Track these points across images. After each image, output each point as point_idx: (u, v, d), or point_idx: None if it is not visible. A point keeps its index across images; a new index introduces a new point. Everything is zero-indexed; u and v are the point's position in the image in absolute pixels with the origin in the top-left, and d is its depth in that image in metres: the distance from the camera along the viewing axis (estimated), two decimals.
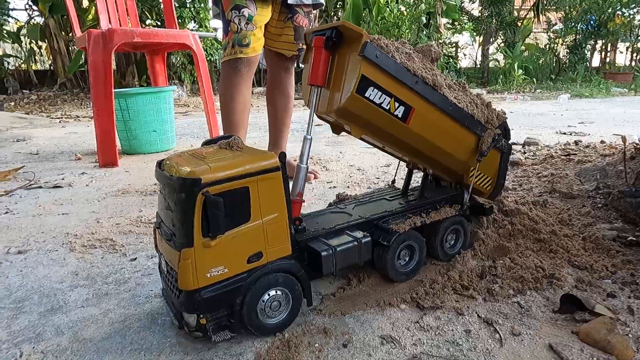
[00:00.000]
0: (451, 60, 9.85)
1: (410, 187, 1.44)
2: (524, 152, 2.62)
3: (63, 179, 2.56)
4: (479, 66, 11.54)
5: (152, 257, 1.45)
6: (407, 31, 8.94)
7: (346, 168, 2.62)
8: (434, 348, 0.95)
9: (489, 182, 1.35)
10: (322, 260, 1.02)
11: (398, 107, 1.07)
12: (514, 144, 3.19)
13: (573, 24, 10.33)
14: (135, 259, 1.44)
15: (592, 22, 10.19)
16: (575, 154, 2.25)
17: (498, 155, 1.32)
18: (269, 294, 0.98)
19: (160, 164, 0.99)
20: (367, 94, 1.03)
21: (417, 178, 1.51)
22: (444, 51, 9.60)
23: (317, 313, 1.08)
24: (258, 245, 0.94)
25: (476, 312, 1.06)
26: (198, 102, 7.55)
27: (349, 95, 1.02)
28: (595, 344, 0.91)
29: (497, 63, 10.97)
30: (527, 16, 11.08)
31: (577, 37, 10.42)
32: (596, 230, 1.36)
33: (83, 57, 8.06)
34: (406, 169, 1.46)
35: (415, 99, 1.09)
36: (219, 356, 0.93)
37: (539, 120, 4.75)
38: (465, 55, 11.69)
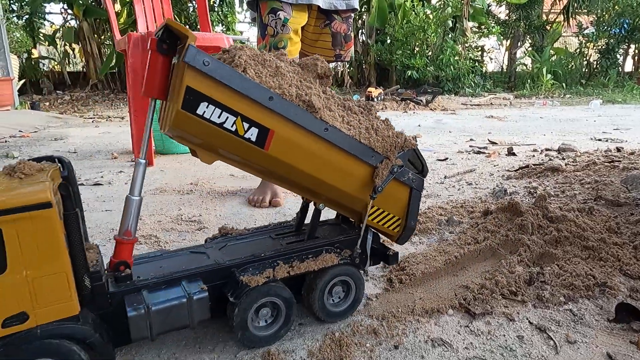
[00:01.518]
0: (477, 64, 9.73)
1: (303, 223, 1.18)
2: (563, 158, 2.57)
3: (102, 177, 2.64)
4: (505, 70, 11.35)
5: None
6: (432, 35, 8.89)
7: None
8: (487, 352, 0.94)
9: (395, 223, 1.09)
10: (130, 322, 0.82)
11: (249, 128, 0.84)
12: (549, 150, 3.13)
13: (605, 27, 10.06)
14: None
15: (625, 25, 9.90)
16: (620, 161, 2.20)
17: (406, 191, 1.05)
18: None
19: None
20: (199, 111, 0.80)
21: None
22: (470, 55, 9.49)
23: (365, 315, 1.08)
24: (18, 304, 0.73)
25: (527, 318, 1.05)
26: None
27: (174, 113, 0.79)
28: None
29: (524, 67, 10.77)
30: (557, 20, 10.86)
31: (610, 41, 10.14)
32: None
33: (114, 59, 8.32)
34: (302, 202, 1.18)
35: (272, 120, 0.85)
36: (272, 352, 0.95)
37: (571, 127, 4.65)
38: (491, 59, 11.53)
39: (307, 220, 1.15)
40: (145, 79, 0.85)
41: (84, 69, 9.36)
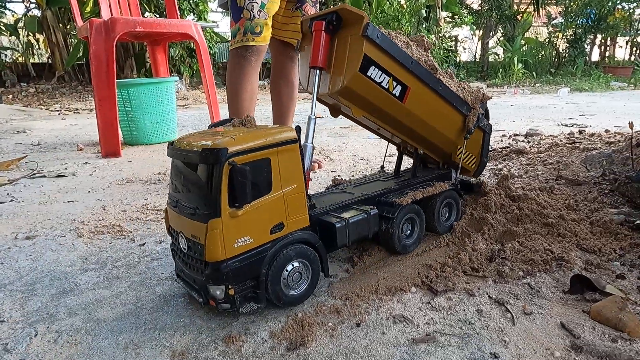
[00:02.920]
0: (450, 53, 9.84)
1: (400, 170, 1.53)
2: (529, 142, 2.63)
3: (66, 168, 2.56)
4: (478, 60, 11.52)
5: (160, 243, 1.45)
6: (406, 24, 8.91)
7: (350, 158, 2.62)
8: (447, 327, 0.95)
9: (474, 160, 1.47)
10: (337, 232, 1.07)
11: (396, 86, 1.15)
12: (517, 135, 3.20)
13: (573, 17, 10.32)
14: (144, 244, 1.45)
15: (592, 16, 10.18)
16: (580, 142, 2.26)
17: (481, 135, 1.44)
18: (292, 265, 1.00)
19: (172, 143, 1.01)
20: (369, 73, 1.09)
21: (406, 163, 1.52)
22: (444, 45, 9.58)
23: (328, 295, 1.08)
24: (280, 216, 0.98)
25: (487, 293, 1.07)
26: (197, 95, 7.52)
27: (352, 75, 1.07)
28: (606, 322, 0.92)
29: (496, 57, 10.95)
30: (527, 10, 11.06)
31: (577, 31, 10.40)
32: (603, 215, 1.37)
33: (82, 49, 8.01)
34: (396, 152, 1.55)
35: (411, 79, 1.17)
36: (233, 334, 0.94)
37: (539, 113, 4.76)
38: (464, 49, 11.68)
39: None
40: (312, 54, 1.13)
41: (49, 60, 8.99)
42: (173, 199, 1.02)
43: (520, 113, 4.81)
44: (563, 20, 10.59)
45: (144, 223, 1.64)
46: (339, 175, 2.21)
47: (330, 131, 3.57)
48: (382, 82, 1.12)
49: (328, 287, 1.12)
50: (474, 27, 10.78)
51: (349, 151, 2.82)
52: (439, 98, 1.25)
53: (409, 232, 1.28)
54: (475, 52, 11.96)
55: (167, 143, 1.04)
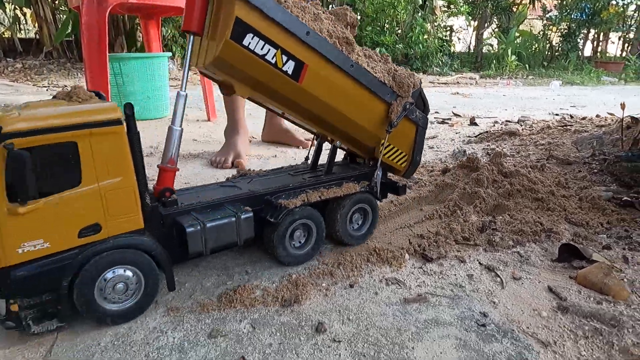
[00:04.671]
0: (445, 43, 9.82)
1: (317, 164, 1.28)
2: (521, 125, 2.66)
3: None
4: (472, 51, 11.54)
5: None
6: (402, 12, 8.87)
7: (297, 152, 2.44)
8: (438, 289, 0.97)
9: (403, 158, 1.21)
10: (187, 237, 0.88)
11: (287, 61, 0.92)
12: (509, 121, 3.22)
13: (568, 11, 10.35)
14: None
15: (586, 10, 10.22)
16: (572, 125, 2.30)
17: (413, 129, 1.17)
18: (113, 272, 0.81)
19: None
20: (245, 42, 0.87)
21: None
22: (439, 34, 9.56)
23: (321, 262, 1.09)
24: (93, 215, 0.78)
25: (477, 260, 1.09)
26: (190, 76, 7.42)
27: (223, 42, 0.85)
28: (592, 286, 0.95)
29: (490, 48, 10.97)
30: (523, 2, 11.06)
31: (571, 25, 10.45)
32: (592, 192, 1.40)
33: (70, 25, 7.83)
34: (316, 142, 1.28)
35: (307, 54, 0.94)
36: (227, 292, 0.94)
37: (531, 104, 4.80)
38: (459, 39, 11.67)
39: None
40: (185, 14, 0.91)
41: (37, 36, 8.77)
42: None
43: (512, 103, 4.84)
44: (558, 14, 10.62)
45: None
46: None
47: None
48: (265, 54, 0.89)
49: (320, 255, 1.13)
50: (470, 18, 10.77)
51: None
52: (351, 81, 1.02)
53: (302, 240, 1.08)
54: (470, 43, 11.97)
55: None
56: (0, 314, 0.75)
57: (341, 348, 0.78)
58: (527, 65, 9.89)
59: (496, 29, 10.99)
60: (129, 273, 0.83)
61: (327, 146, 1.22)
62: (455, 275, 1.03)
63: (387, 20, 9.18)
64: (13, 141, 0.67)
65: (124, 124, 0.79)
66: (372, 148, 1.18)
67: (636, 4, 10.36)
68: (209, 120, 3.14)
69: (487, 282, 1.00)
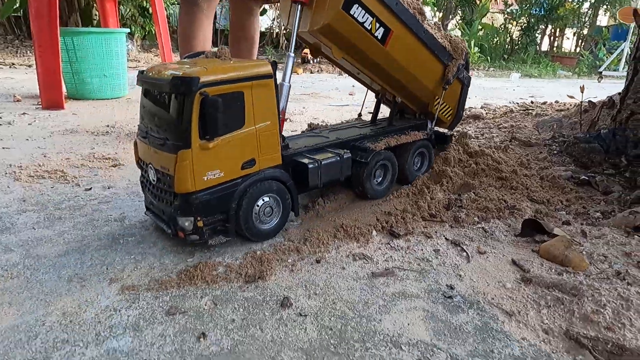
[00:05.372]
0: None
1: (377, 118, 1.51)
2: (485, 110, 2.72)
3: (1, 117, 2.33)
4: None
5: (109, 188, 1.36)
6: None
7: (310, 120, 2.58)
8: (406, 263, 0.96)
9: (450, 112, 1.46)
10: (309, 172, 1.06)
11: (378, 28, 1.13)
12: (471, 108, 3.29)
13: (527, 6, 10.68)
14: (91, 188, 1.35)
15: (544, 5, 10.60)
16: (533, 109, 2.36)
17: (459, 87, 1.43)
18: (263, 200, 1.00)
19: (143, 72, 0.95)
20: (352, 11, 1.07)
21: (384, 113, 1.52)
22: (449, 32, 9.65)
23: (287, 239, 1.06)
24: (252, 152, 0.96)
25: (444, 236, 1.09)
26: (150, 58, 7.10)
27: (335, 12, 1.04)
28: (553, 258, 0.97)
29: None
30: None
31: (530, 19, 10.81)
32: (552, 171, 1.44)
33: (19, 0, 7.27)
34: (374, 100, 1.52)
35: (394, 22, 1.16)
36: (188, 269, 0.89)
37: (493, 93, 4.93)
38: None
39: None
40: None
41: None
42: (142, 130, 0.97)
43: (474, 92, 4.95)
44: (518, 8, 10.95)
45: (90, 170, 1.53)
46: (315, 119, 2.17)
47: (290, 97, 3.50)
48: (364, 22, 1.10)
49: (286, 231, 1.09)
50: (435, 9, 10.91)
51: (309, 114, 2.78)
52: (422, 45, 1.24)
53: (380, 178, 1.29)
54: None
55: (137, 72, 0.97)
56: (186, 230, 0.91)
57: (307, 322, 0.76)
58: (488, 58, 10.16)
59: (460, 21, 11.20)
60: (272, 200, 1.02)
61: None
62: (422, 250, 1.03)
63: None
64: (207, 90, 0.84)
65: (273, 79, 0.95)
66: (426, 104, 1.40)
67: (590, 1, 10.84)
68: None
69: (453, 257, 1.00)
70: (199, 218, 0.90)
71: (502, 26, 11.43)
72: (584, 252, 0.99)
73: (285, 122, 2.40)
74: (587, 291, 0.83)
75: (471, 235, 1.10)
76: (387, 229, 1.12)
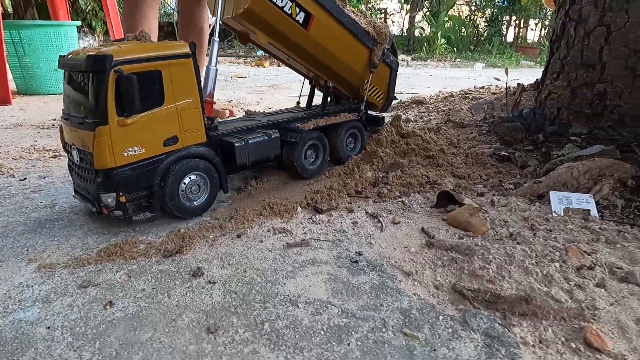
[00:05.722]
0: None
1: (312, 103, 1.58)
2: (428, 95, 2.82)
3: None
4: (405, 34, 11.86)
5: (44, 177, 1.37)
6: None
7: (265, 109, 2.62)
8: (322, 235, 1.02)
9: (381, 96, 1.56)
10: (236, 150, 1.11)
11: (299, 12, 1.19)
12: (416, 94, 3.38)
13: None
14: (25, 178, 1.35)
15: None
16: (471, 93, 2.47)
17: (388, 71, 1.52)
18: (189, 178, 1.04)
19: (62, 56, 0.99)
20: None
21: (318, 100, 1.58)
22: (373, 17, 9.75)
23: (214, 218, 1.10)
24: (173, 129, 1.00)
25: (365, 210, 1.16)
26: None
27: None
28: (458, 225, 1.04)
29: (422, 32, 11.34)
30: None
31: (495, 11, 11.06)
32: (478, 149, 1.53)
33: None
34: (309, 87, 1.58)
35: (314, 7, 1.22)
36: (109, 247, 0.93)
37: (453, 82, 5.06)
38: (393, 22, 11.93)
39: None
40: None
41: None
42: (65, 113, 1.00)
43: (436, 82, 5.07)
44: (483, 0, 11.18)
45: (29, 162, 1.53)
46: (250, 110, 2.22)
47: (250, 89, 3.52)
48: (284, 6, 1.16)
49: (213, 210, 1.14)
50: (402, 1, 11.04)
51: (265, 105, 2.81)
52: (345, 30, 1.30)
53: (313, 158, 1.35)
54: (403, 26, 12.29)
55: (58, 56, 1.01)
56: (109, 206, 0.94)
57: (215, 288, 0.80)
58: (455, 49, 10.35)
59: (427, 13, 11.36)
60: (199, 178, 1.06)
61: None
62: (341, 223, 1.09)
63: None
64: (121, 67, 0.87)
65: (192, 58, 0.99)
66: (357, 88, 1.47)
67: None
68: None
69: (369, 228, 1.06)
70: (121, 194, 0.94)
71: (468, 18, 11.66)
72: (488, 219, 1.07)
73: (241, 113, 2.44)
74: (478, 251, 0.90)
75: (390, 208, 1.16)
76: (312, 205, 1.18)
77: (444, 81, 5.32)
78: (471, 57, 9.88)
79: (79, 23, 3.06)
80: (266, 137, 1.19)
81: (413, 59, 9.63)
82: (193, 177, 1.05)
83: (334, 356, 0.65)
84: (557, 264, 0.85)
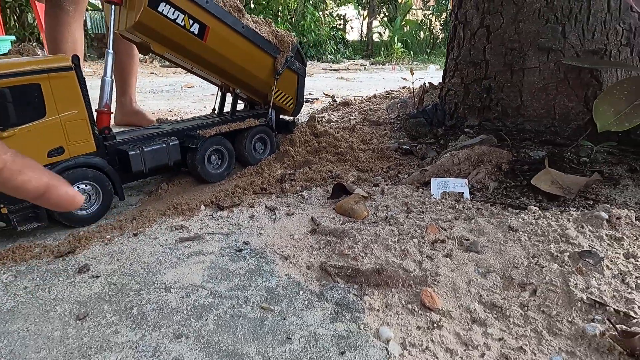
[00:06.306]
0: (339, 32, 10.22)
1: (223, 110, 1.64)
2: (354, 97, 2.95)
3: None
4: (364, 39, 12.14)
5: None
6: (293, 1, 9.03)
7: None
8: (217, 229, 1.09)
9: (290, 101, 1.64)
10: (130, 159, 1.16)
11: (193, 24, 1.25)
12: (347, 96, 3.51)
13: (445, 2, 11.32)
14: None
15: None
16: (393, 93, 2.60)
17: (295, 77, 1.59)
18: (78, 187, 1.07)
19: None
20: (159, 9, 1.19)
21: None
22: (332, 23, 9.92)
23: (114, 219, 1.15)
24: (58, 140, 1.03)
25: (265, 205, 1.23)
26: None
27: (142, 10, 1.16)
28: (344, 212, 1.13)
29: (380, 36, 11.64)
30: None
31: (448, 14, 11.47)
32: (385, 145, 1.64)
33: None
34: (221, 93, 1.64)
35: (208, 18, 1.28)
36: (11, 249, 0.97)
37: (402, 83, 5.25)
38: (352, 28, 12.19)
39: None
40: None
41: None
42: None
43: (386, 84, 5.22)
44: (436, 4, 11.57)
45: None
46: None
47: (197, 98, 3.56)
48: (176, 18, 1.22)
49: (119, 213, 1.19)
50: (359, 7, 11.30)
51: (206, 112, 2.86)
52: (243, 39, 1.37)
53: (218, 163, 1.40)
54: (362, 32, 12.57)
55: None
56: None
57: (97, 282, 0.86)
58: (412, 52, 10.65)
59: (384, 18, 11.67)
60: (89, 187, 1.10)
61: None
62: (238, 217, 1.16)
63: (279, 8, 9.29)
64: None
65: (74, 70, 1.03)
66: (266, 94, 1.54)
67: None
68: None
69: (263, 220, 1.14)
70: (2, 205, 0.97)
71: (423, 22, 12.02)
72: (373, 206, 1.17)
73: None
74: (351, 233, 0.99)
75: (290, 202, 1.25)
76: (215, 202, 1.24)
77: (395, 83, 5.47)
78: (427, 60, 10.19)
79: (13, 37, 3.03)
80: (163, 145, 1.25)
81: (372, 63, 9.85)
82: (82, 186, 1.09)
83: (189, 330, 0.72)
84: (415, 240, 0.95)
